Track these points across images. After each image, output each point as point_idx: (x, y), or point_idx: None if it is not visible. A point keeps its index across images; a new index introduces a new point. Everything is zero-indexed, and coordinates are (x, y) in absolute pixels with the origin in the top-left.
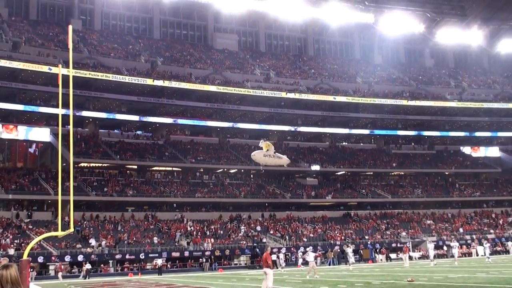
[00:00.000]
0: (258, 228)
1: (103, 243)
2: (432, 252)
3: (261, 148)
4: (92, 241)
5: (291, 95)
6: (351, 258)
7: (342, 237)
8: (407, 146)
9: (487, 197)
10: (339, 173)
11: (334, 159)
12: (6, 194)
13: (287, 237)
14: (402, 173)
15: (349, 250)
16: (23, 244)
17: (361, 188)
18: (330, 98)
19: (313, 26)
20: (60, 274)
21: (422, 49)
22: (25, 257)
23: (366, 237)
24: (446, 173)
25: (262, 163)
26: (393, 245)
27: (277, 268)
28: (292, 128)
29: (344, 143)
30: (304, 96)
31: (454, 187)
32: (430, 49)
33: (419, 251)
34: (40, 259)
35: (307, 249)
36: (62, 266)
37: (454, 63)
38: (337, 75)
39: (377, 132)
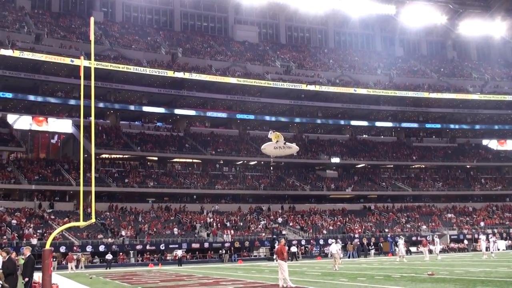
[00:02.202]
0: (278, 220)
1: (124, 233)
2: (439, 247)
3: (271, 140)
4: (117, 232)
5: (311, 87)
6: (402, 250)
7: (362, 230)
8: (428, 139)
9: (509, 191)
10: (359, 166)
11: (354, 152)
12: (29, 185)
13: (306, 229)
14: (423, 166)
15: (401, 241)
16: (45, 234)
17: (381, 181)
18: (350, 90)
19: (334, 18)
20: (70, 265)
21: (444, 41)
22: (47, 246)
23: (386, 230)
24: (468, 166)
25: (273, 155)
26: (413, 238)
27: (296, 260)
28: (313, 120)
29: (364, 136)
30: (325, 88)
31: (475, 181)
32: (452, 41)
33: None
34: (62, 249)
35: (332, 241)
36: (75, 256)
37: (477, 55)
38: (358, 67)
39: (398, 124)
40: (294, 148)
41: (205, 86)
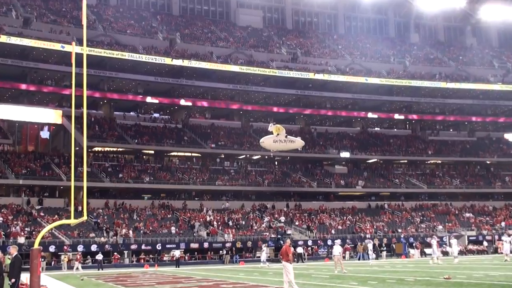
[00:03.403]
0: (283, 218)
1: (118, 232)
2: (456, 248)
3: (271, 133)
4: (108, 230)
5: (319, 76)
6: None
7: (373, 230)
8: (445, 133)
9: None
10: (370, 161)
11: (365, 146)
12: (16, 179)
13: (313, 229)
14: (439, 162)
15: (434, 242)
16: (34, 232)
17: (394, 177)
18: (361, 79)
19: (344, 1)
20: (76, 264)
21: (463, 26)
22: (36, 245)
23: (399, 230)
24: (488, 162)
25: (273, 150)
26: (428, 239)
27: (302, 261)
28: (321, 112)
29: (376, 129)
30: (334, 78)
31: (496, 178)
32: (472, 26)
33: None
34: (52, 248)
35: (336, 241)
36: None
37: (498, 42)
38: (370, 55)
39: (412, 117)
40: (298, 142)
41: (205, 75)
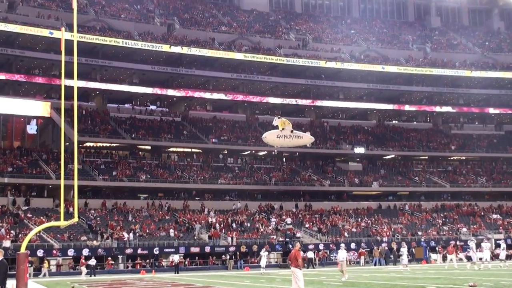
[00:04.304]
0: (290, 220)
1: (112, 235)
2: (474, 255)
3: (277, 128)
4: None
5: (331, 64)
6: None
7: (390, 233)
8: (469, 126)
9: None
10: (387, 157)
11: (382, 140)
12: (1, 178)
13: (325, 231)
14: (463, 158)
15: (472, 245)
16: (20, 235)
17: (414, 175)
18: (378, 68)
19: None
20: (82, 269)
21: (490, 9)
22: (22, 249)
23: (419, 233)
24: None
25: (277, 146)
26: (451, 242)
27: (313, 267)
28: (333, 104)
29: (394, 122)
30: (347, 66)
31: None
32: (500, 9)
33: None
34: (40, 253)
35: (341, 245)
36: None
37: None
38: (387, 41)
39: (433, 108)
40: (306, 138)
41: (206, 63)
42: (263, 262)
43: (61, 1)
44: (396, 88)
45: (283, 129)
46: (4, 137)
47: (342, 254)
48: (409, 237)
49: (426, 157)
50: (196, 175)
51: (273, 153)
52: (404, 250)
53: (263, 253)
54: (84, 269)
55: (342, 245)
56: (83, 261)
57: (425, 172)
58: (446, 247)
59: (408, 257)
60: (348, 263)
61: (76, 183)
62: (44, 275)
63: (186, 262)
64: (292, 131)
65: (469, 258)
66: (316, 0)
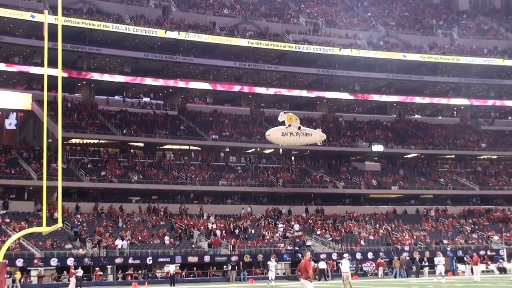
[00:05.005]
0: (300, 226)
1: (100, 242)
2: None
3: (283, 124)
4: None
5: (346, 52)
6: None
7: (412, 241)
8: (501, 121)
9: None
10: (409, 156)
11: (402, 137)
12: None
13: (339, 239)
14: (495, 157)
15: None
16: None
17: (439, 176)
18: (398, 55)
19: None
20: (71, 280)
21: None
22: (0, 259)
23: (445, 242)
24: None
25: (282, 145)
26: (481, 252)
27: (325, 279)
28: (348, 96)
29: (416, 116)
30: (364, 53)
31: None
32: None
33: None
34: (19, 262)
35: (344, 255)
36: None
37: None
38: (408, 26)
39: (461, 101)
40: (316, 135)
41: (206, 50)
42: (271, 274)
43: None
44: (419, 78)
45: (289, 125)
46: None
47: (346, 265)
48: (433, 245)
49: (453, 156)
50: (194, 175)
51: (280, 150)
52: (440, 259)
53: (272, 263)
54: (73, 280)
55: (346, 255)
56: (73, 270)
57: (452, 173)
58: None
59: (437, 269)
60: (363, 274)
61: (60, 184)
62: None
63: (183, 273)
64: (299, 128)
65: (501, 270)
66: None
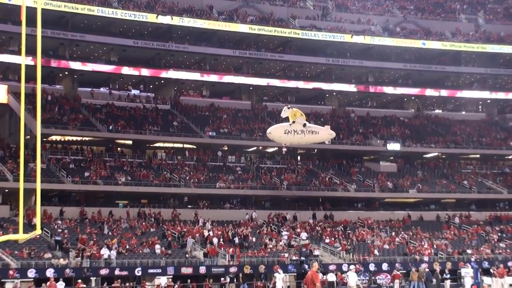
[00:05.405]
0: (307, 234)
1: (83, 252)
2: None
3: (287, 120)
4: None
5: (358, 39)
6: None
7: (433, 251)
8: None
9: None
10: (428, 156)
11: (422, 135)
12: None
13: (350, 249)
14: None
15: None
16: None
17: (462, 178)
18: (417, 43)
19: None
20: None
21: None
22: None
23: (469, 252)
24: None
25: (285, 144)
26: (510, 263)
27: None
28: (361, 88)
29: (437, 111)
30: (378, 41)
31: None
32: None
33: None
34: None
35: (350, 267)
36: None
37: None
38: (428, 10)
39: (487, 94)
40: (323, 133)
41: (202, 37)
42: (279, 286)
43: None
44: (440, 69)
45: (293, 122)
46: None
47: (352, 278)
48: (455, 256)
49: (478, 156)
50: (188, 177)
51: (283, 150)
52: (467, 271)
53: (279, 275)
54: None
55: (352, 267)
56: (53, 282)
57: (476, 175)
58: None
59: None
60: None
61: (38, 186)
62: None
63: (176, 286)
64: (305, 125)
65: None
66: None
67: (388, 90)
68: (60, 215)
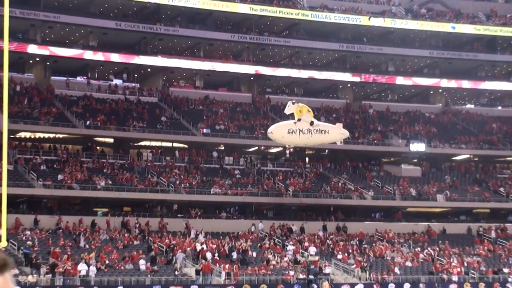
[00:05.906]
0: (316, 249)
1: (55, 267)
2: None
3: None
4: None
5: (377, 22)
6: None
7: (463, 269)
8: None
9: None
10: (458, 158)
11: (450, 133)
12: None
13: (366, 266)
14: None
15: None
16: None
17: (498, 185)
18: (445, 27)
19: None
20: None
21: None
22: None
23: (505, 271)
24: None
25: (289, 145)
26: None
27: None
28: (380, 79)
29: (468, 106)
30: (400, 24)
31: None
32: None
33: None
34: None
35: (357, 286)
36: None
37: None
38: None
39: None
40: (334, 133)
41: (195, 19)
42: None
43: None
44: (472, 56)
45: (299, 119)
46: None
47: None
48: (489, 275)
49: None
50: (178, 181)
51: (287, 152)
52: None
53: None
54: None
55: (361, 285)
56: None
57: None
58: None
59: None
60: None
61: (4, 190)
62: None
63: None
64: (312, 123)
65: None
66: None
67: (412, 81)
68: (35, 225)
